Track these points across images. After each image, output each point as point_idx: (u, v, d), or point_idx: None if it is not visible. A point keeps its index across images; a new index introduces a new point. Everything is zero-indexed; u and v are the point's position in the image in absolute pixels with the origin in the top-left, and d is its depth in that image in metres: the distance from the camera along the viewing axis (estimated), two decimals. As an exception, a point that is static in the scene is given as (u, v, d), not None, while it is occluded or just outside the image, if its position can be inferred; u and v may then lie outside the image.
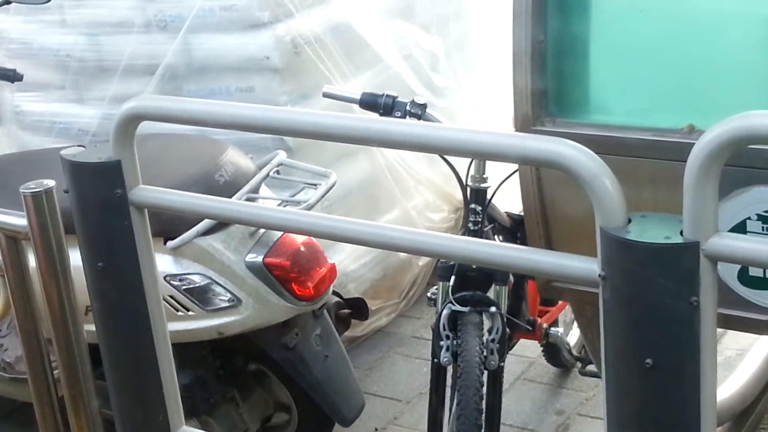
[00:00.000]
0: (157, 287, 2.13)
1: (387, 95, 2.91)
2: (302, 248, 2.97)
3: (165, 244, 2.85)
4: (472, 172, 2.91)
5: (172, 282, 2.87)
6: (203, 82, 3.96)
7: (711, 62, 2.25)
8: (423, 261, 4.47)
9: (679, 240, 1.49)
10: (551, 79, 2.33)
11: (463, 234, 2.92)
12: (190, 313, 2.89)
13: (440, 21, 4.66)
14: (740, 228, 2.16)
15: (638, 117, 2.28)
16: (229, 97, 3.90)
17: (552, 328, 3.51)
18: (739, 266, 2.20)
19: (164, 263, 2.85)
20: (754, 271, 2.21)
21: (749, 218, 2.16)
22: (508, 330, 2.94)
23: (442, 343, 2.84)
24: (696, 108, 2.24)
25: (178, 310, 2.89)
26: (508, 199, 3.00)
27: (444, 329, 2.85)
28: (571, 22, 2.35)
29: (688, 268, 1.48)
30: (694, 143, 1.48)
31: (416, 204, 4.43)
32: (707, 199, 1.48)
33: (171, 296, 2.86)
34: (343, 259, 4.03)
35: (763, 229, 2.15)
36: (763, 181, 2.12)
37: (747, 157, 1.97)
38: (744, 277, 2.22)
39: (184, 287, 2.87)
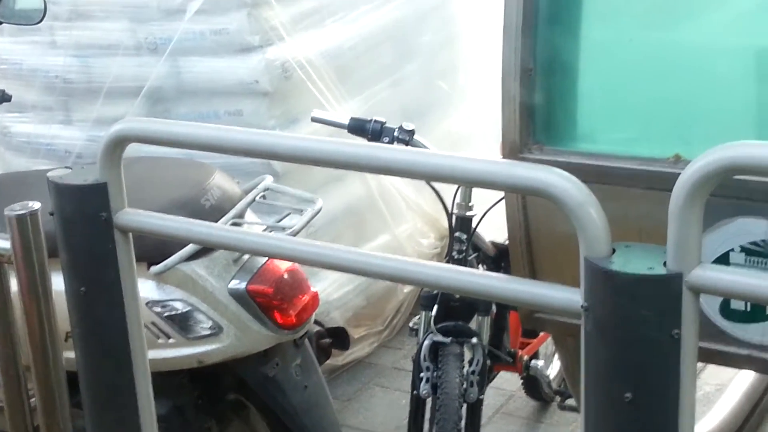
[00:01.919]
0: (139, 313, 2.11)
1: (375, 121, 2.91)
2: (286, 275, 2.95)
3: (148, 269, 2.83)
4: (458, 199, 2.90)
5: (154, 308, 2.84)
6: (192, 105, 3.96)
7: (698, 92, 2.25)
8: (407, 289, 4.46)
9: (662, 271, 1.48)
10: (539, 107, 2.33)
11: (448, 262, 2.91)
12: (170, 340, 2.86)
13: (429, 47, 4.67)
14: (723, 260, 2.16)
15: (625, 146, 2.28)
16: (218, 121, 3.89)
17: (533, 361, 3.48)
18: (721, 299, 2.19)
19: (147, 289, 2.82)
20: (736, 304, 2.20)
21: (733, 250, 2.15)
22: (489, 362, 2.93)
23: (422, 374, 2.83)
24: (682, 138, 2.24)
25: (158, 338, 2.86)
26: (493, 228, 2.99)
27: (425, 360, 2.83)
28: (560, 50, 2.35)
29: (671, 300, 1.47)
30: (680, 173, 1.47)
31: (406, 229, 4.42)
32: (691, 229, 1.47)
33: (152, 323, 2.84)
34: (327, 286, 4.01)
35: (746, 261, 2.15)
36: (747, 212, 2.11)
37: (732, 187, 1.96)
38: (726, 310, 2.21)
39: (165, 314, 2.85)
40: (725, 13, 2.25)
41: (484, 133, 4.52)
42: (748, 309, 2.20)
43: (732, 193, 2.02)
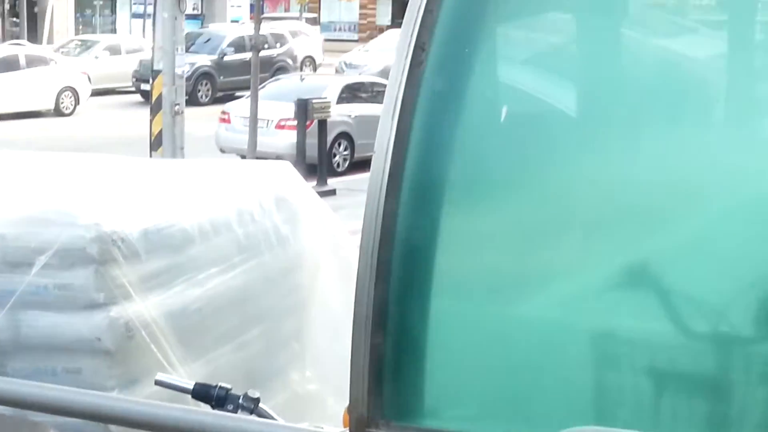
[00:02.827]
0: None
1: (220, 387, 2.88)
2: None
3: None
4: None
5: None
6: (29, 361, 3.84)
7: (541, 373, 2.29)
8: None
9: None
10: (388, 382, 2.34)
11: None
12: None
13: (277, 311, 4.68)
14: None
15: (471, 423, 2.29)
16: (55, 378, 3.77)
17: None
18: None
19: None
20: None
21: None
22: None
23: None
24: (525, 418, 2.26)
25: None
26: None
27: None
28: (409, 324, 2.39)
29: None
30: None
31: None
32: None
33: None
34: None
35: None
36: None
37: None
38: None
39: None
40: (567, 294, 2.33)
41: (336, 395, 4.49)
42: None
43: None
